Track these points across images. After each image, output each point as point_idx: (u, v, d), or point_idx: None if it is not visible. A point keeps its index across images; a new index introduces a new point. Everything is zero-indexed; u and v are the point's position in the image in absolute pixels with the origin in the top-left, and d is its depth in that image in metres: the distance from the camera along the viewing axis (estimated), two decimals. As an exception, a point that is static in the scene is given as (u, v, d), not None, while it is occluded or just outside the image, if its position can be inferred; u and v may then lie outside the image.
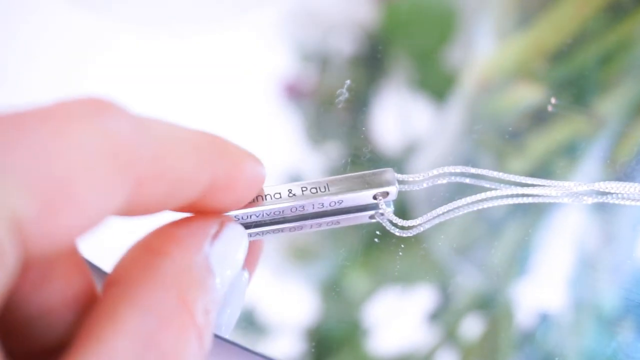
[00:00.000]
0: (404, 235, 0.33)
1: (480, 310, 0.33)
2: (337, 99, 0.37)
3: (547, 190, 0.34)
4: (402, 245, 0.34)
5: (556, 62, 0.39)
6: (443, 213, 0.34)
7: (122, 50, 0.38)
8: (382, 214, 0.33)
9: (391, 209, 0.33)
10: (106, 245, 0.31)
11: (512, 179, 0.34)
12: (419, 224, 0.34)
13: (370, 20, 0.40)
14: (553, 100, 0.37)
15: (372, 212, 0.33)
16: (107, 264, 0.31)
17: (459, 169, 0.35)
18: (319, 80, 0.38)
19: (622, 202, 0.35)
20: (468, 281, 0.34)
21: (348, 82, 0.37)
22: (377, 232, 0.33)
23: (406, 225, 0.33)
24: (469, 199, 0.34)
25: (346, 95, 0.37)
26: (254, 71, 0.38)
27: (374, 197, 0.32)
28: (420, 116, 0.38)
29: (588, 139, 0.37)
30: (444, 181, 0.34)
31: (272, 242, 0.34)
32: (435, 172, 0.34)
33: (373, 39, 0.39)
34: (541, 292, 0.34)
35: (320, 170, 0.36)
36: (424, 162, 0.37)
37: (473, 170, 0.35)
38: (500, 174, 0.34)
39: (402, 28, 0.40)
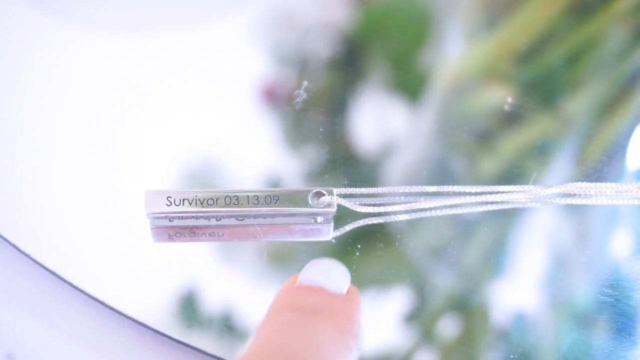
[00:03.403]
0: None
1: (456, 311, 0.33)
2: (294, 101, 0.37)
3: (516, 195, 0.34)
4: (381, 244, 0.34)
5: (523, 62, 0.39)
6: (408, 211, 0.34)
7: (98, 54, 0.37)
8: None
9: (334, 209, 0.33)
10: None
11: (479, 190, 0.34)
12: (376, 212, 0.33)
13: (346, 23, 0.40)
14: (509, 100, 0.38)
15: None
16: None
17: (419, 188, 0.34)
18: (296, 83, 0.38)
19: (589, 202, 0.35)
20: (443, 282, 0.34)
21: (305, 83, 0.37)
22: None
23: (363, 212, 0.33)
24: (438, 202, 0.34)
25: (304, 96, 0.37)
26: (231, 75, 0.38)
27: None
28: (394, 118, 0.38)
29: (557, 139, 0.38)
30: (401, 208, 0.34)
31: (249, 246, 0.33)
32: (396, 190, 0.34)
33: (349, 41, 0.39)
34: (516, 291, 0.34)
35: (297, 173, 0.36)
36: (397, 164, 0.37)
37: (434, 189, 0.34)
38: (462, 187, 0.34)
39: (378, 30, 0.40)
